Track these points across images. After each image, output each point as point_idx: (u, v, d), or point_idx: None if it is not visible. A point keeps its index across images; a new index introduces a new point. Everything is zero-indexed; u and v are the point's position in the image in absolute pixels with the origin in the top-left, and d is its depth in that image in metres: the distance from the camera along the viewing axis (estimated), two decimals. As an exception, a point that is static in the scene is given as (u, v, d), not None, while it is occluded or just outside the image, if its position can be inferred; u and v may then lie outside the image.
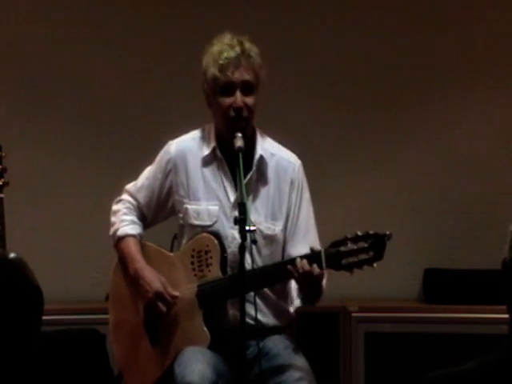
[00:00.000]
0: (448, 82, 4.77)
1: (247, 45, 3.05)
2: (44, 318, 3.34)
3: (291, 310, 3.12)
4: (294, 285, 3.06)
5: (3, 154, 3.64)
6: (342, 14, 4.79)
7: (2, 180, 3.60)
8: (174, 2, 4.85)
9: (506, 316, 1.86)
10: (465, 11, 4.76)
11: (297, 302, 3.08)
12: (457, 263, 4.61)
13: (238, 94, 3.03)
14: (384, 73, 4.79)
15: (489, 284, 4.36)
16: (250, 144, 3.13)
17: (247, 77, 3.03)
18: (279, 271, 2.96)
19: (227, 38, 3.08)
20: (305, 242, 3.07)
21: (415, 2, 4.81)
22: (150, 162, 3.29)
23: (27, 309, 3.28)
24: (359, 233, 2.88)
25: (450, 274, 4.59)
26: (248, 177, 3.09)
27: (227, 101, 3.04)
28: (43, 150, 4.78)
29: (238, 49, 3.03)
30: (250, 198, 3.09)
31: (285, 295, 3.13)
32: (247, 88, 3.04)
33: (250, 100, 3.05)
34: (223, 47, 3.04)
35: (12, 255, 3.37)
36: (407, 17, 4.78)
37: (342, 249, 2.88)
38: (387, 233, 2.86)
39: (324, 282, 2.96)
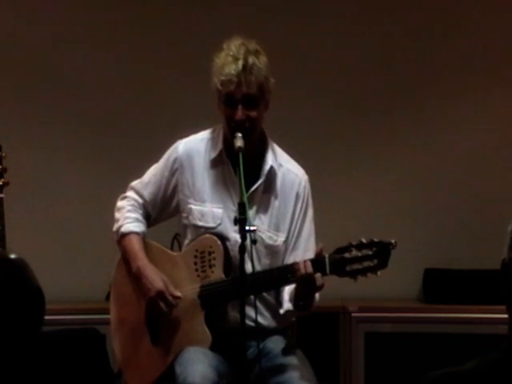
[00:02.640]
0: (448, 82, 4.78)
1: (251, 59, 3.00)
2: (44, 317, 3.35)
3: (281, 312, 3.10)
4: (286, 288, 3.06)
5: (3, 154, 3.64)
6: (343, 17, 4.79)
7: (2, 180, 3.60)
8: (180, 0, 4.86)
9: (506, 316, 1.86)
10: (463, 13, 4.77)
11: (288, 306, 3.06)
12: (457, 263, 4.60)
13: (240, 108, 3.01)
14: (384, 75, 4.79)
15: (489, 284, 4.36)
16: (260, 153, 3.13)
17: (249, 91, 3.00)
18: (282, 275, 2.96)
19: (235, 45, 3.03)
20: (303, 259, 2.99)
21: (415, 5, 4.82)
22: (151, 161, 3.28)
23: (28, 309, 3.28)
24: (364, 240, 2.87)
25: (450, 274, 4.59)
26: (255, 186, 3.09)
27: (230, 112, 3.03)
28: (43, 150, 4.78)
29: (240, 64, 2.98)
30: (254, 208, 3.09)
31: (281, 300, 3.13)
32: (249, 102, 3.01)
33: (252, 113, 3.02)
34: (227, 60, 3.00)
35: (13, 256, 3.38)
36: (407, 19, 4.79)
37: (347, 255, 2.87)
38: (392, 241, 2.86)
39: (317, 295, 2.96)
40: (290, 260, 3.10)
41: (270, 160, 3.13)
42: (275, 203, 3.13)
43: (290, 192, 3.15)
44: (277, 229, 3.13)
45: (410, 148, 4.81)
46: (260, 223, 3.08)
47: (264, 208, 3.12)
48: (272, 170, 3.13)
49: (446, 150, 4.78)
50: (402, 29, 4.78)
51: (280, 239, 3.13)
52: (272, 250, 3.12)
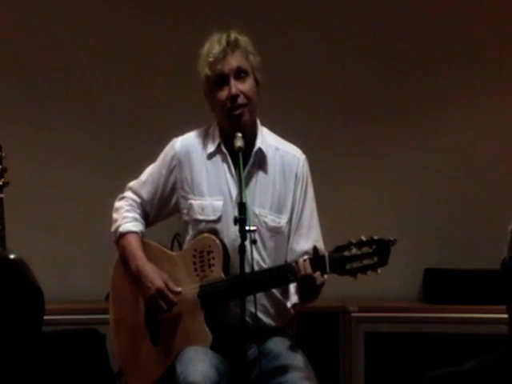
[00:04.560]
0: (448, 83, 4.78)
1: (233, 35, 3.08)
2: (44, 317, 3.35)
3: (288, 305, 3.12)
4: None
5: (3, 154, 3.64)
6: (342, 15, 4.79)
7: (2, 180, 3.60)
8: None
9: (506, 316, 1.86)
10: (462, 13, 4.77)
11: (294, 298, 3.08)
12: (457, 263, 4.61)
13: (232, 81, 3.04)
14: (386, 73, 4.79)
15: (489, 284, 4.36)
16: (252, 137, 3.13)
17: (237, 63, 3.06)
18: (282, 275, 2.96)
19: (215, 35, 3.11)
20: (308, 237, 3.08)
21: (414, 4, 4.82)
22: (150, 161, 3.28)
23: (28, 309, 3.28)
24: (363, 238, 2.87)
25: (450, 274, 4.59)
26: (247, 167, 3.10)
27: (223, 93, 3.05)
28: (43, 150, 4.78)
29: (224, 42, 3.06)
30: (252, 184, 3.10)
31: (287, 293, 3.14)
32: (240, 73, 3.06)
33: (245, 86, 3.06)
34: (211, 45, 3.08)
35: (13, 256, 3.38)
36: (407, 18, 4.79)
37: (346, 254, 2.87)
38: (392, 238, 2.85)
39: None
40: (295, 240, 3.14)
41: (258, 142, 3.14)
42: (275, 186, 3.14)
43: (289, 174, 3.16)
44: (279, 211, 3.13)
45: (411, 147, 4.81)
46: (261, 208, 3.10)
47: (264, 191, 3.13)
48: (261, 153, 3.13)
49: (448, 151, 4.78)
50: (402, 29, 4.78)
51: (283, 221, 3.13)
52: (276, 232, 3.13)
